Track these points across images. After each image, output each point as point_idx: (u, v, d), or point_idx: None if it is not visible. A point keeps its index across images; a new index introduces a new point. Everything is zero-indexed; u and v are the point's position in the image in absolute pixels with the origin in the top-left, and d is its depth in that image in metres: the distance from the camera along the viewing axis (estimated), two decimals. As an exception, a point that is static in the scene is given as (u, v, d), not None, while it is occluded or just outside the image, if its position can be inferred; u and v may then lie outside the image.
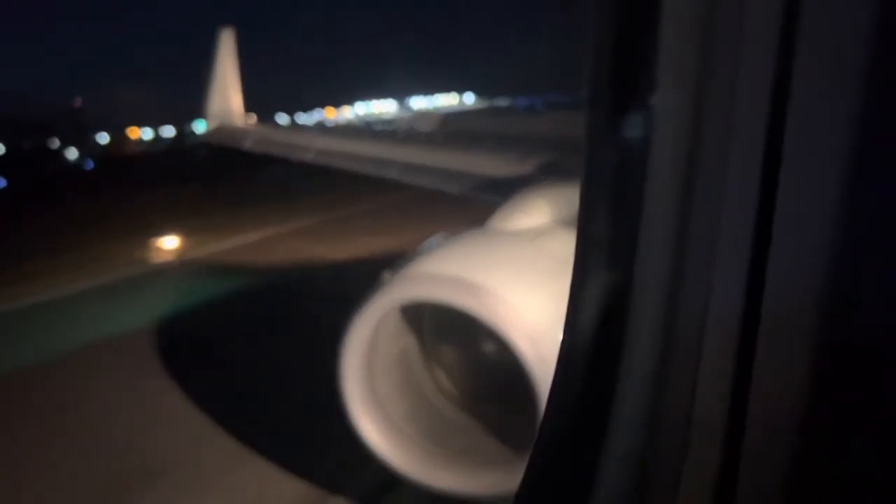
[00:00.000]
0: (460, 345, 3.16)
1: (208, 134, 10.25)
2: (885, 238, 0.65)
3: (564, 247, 2.93)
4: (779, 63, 0.66)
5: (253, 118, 10.84)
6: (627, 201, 0.83)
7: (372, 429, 2.87)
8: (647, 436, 0.83)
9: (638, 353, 0.84)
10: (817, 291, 0.66)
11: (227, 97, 10.23)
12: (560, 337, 2.38)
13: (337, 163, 7.34)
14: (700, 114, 0.73)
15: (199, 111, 10.31)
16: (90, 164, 49.53)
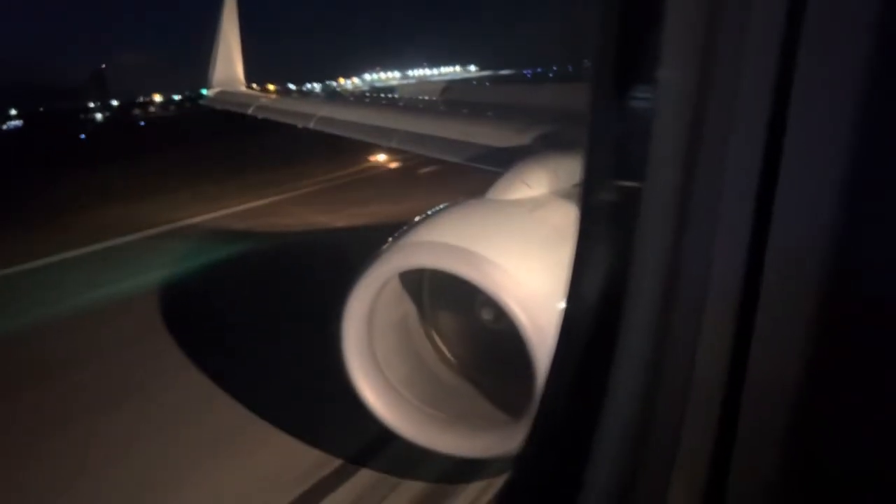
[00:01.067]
0: (459, 312, 3.22)
1: (210, 99, 10.22)
2: (886, 214, 0.65)
3: (564, 217, 2.97)
4: (784, 37, 0.66)
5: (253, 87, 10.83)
6: (629, 173, 0.84)
7: (371, 392, 2.94)
8: (646, 405, 0.85)
9: (637, 324, 0.85)
10: (817, 266, 0.67)
11: (229, 64, 10.21)
12: (557, 306, 2.43)
13: (338, 130, 7.31)
14: (704, 88, 0.73)
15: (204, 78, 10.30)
16: (142, 122, 56.47)
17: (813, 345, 0.68)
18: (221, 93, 10.13)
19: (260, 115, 8.86)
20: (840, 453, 0.72)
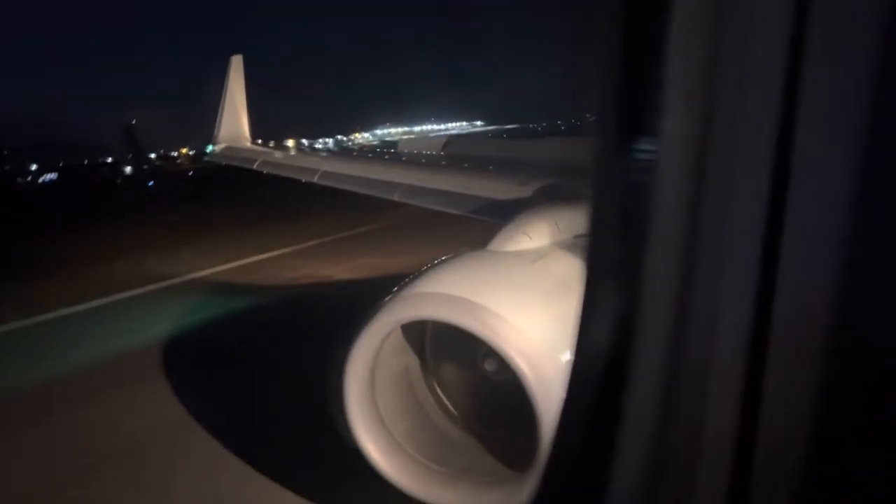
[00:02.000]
0: (461, 364, 3.18)
1: (216, 154, 10.43)
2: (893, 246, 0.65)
3: (566, 268, 2.97)
4: (786, 87, 0.67)
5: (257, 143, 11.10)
6: (635, 221, 0.84)
7: (373, 446, 2.88)
8: (658, 452, 0.84)
9: (648, 370, 0.84)
10: (827, 305, 0.67)
11: (235, 121, 10.49)
12: (560, 357, 2.41)
13: (341, 184, 7.41)
14: (706, 139, 0.74)
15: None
16: (190, 172, 58.45)
17: (825, 376, 0.68)
18: (227, 148, 10.34)
19: (265, 170, 8.99)
20: (859, 480, 0.71)
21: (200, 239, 16.30)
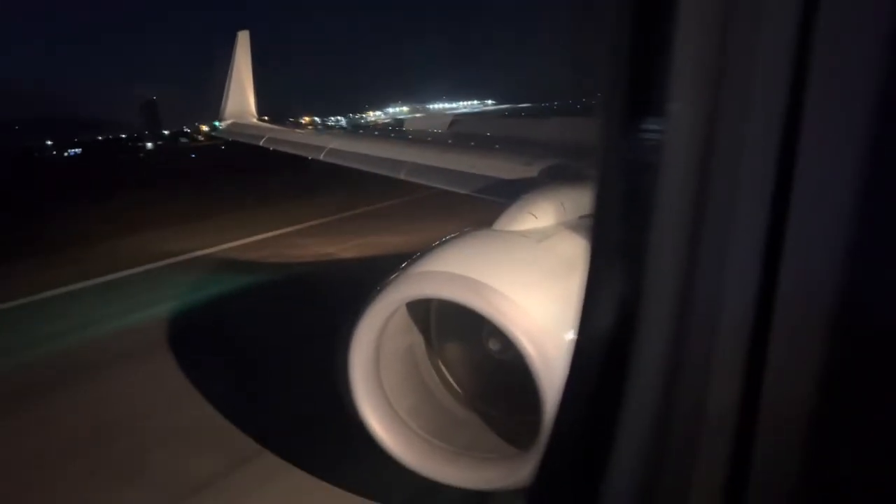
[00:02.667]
0: (466, 342, 3.21)
1: (222, 131, 10.42)
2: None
3: (571, 248, 2.97)
4: (794, 68, 0.67)
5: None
6: (640, 203, 0.84)
7: (377, 423, 2.92)
8: (659, 433, 0.84)
9: (650, 353, 0.85)
10: (830, 292, 0.67)
11: (241, 97, 10.46)
12: (564, 336, 2.41)
13: (348, 162, 7.39)
14: (713, 120, 0.73)
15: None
16: (222, 147, 60.89)
17: (827, 363, 0.68)
18: (233, 124, 10.34)
19: (271, 147, 8.98)
20: (859, 472, 0.71)
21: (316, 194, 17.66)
